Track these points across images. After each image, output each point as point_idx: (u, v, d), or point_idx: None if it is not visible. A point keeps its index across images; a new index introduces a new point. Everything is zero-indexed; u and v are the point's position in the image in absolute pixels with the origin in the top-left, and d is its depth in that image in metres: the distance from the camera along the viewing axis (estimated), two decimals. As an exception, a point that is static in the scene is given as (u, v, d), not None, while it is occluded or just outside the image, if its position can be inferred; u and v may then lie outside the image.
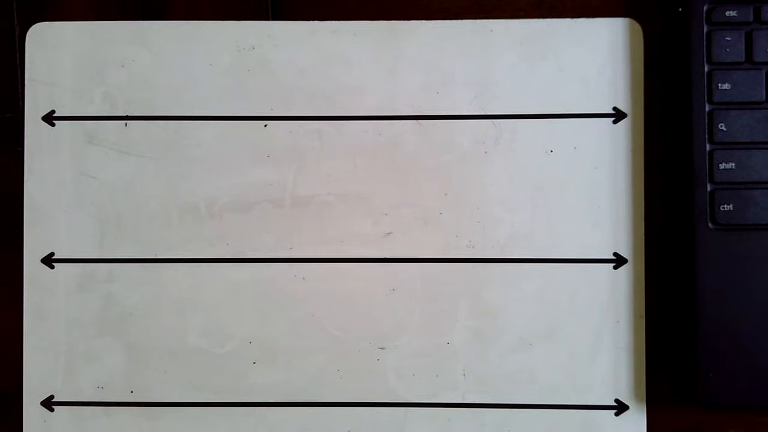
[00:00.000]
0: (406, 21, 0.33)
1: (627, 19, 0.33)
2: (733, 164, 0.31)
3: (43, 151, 0.33)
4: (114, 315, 0.33)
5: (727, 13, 0.31)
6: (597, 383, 0.32)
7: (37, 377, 0.33)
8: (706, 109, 0.31)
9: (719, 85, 0.31)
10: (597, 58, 0.33)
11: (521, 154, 0.33)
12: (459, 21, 0.33)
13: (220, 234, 0.33)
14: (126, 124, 0.33)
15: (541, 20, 0.33)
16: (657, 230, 0.33)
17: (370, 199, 0.33)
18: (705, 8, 0.31)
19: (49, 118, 0.33)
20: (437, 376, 0.33)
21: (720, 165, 0.31)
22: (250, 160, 0.33)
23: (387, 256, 0.33)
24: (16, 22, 0.34)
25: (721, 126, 0.31)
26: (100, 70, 0.33)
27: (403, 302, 0.33)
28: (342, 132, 0.33)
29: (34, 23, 0.34)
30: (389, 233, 0.33)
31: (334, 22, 0.33)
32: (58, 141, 0.33)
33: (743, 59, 0.31)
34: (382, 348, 0.33)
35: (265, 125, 0.33)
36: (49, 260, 0.33)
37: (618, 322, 0.32)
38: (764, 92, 0.31)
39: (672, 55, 0.33)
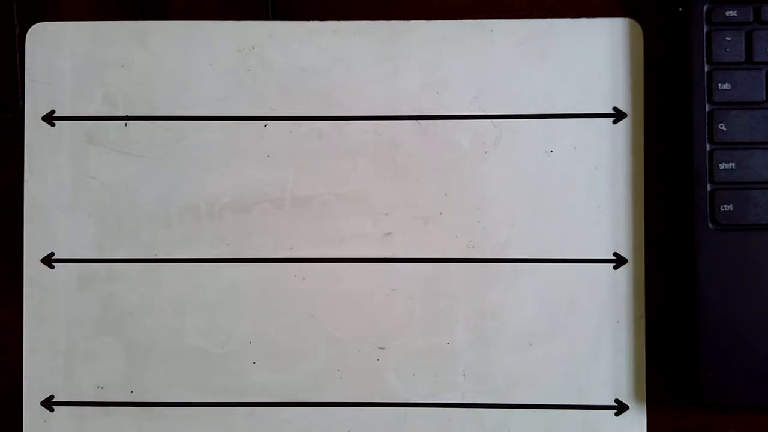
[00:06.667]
0: (406, 21, 0.33)
1: (627, 19, 0.33)
2: (733, 164, 0.31)
3: (43, 151, 0.33)
4: (114, 315, 0.33)
5: (727, 13, 0.31)
6: (597, 383, 0.32)
7: (37, 377, 0.33)
8: (706, 109, 0.31)
9: (719, 85, 0.31)
10: (597, 58, 0.33)
11: (521, 154, 0.33)
12: (459, 21, 0.33)
13: (220, 234, 0.33)
14: (126, 124, 0.33)
15: (541, 20, 0.33)
16: (657, 230, 0.33)
17: (370, 199, 0.33)
18: (705, 8, 0.31)
19: (49, 118, 0.33)
20: (437, 376, 0.33)
21: (720, 165, 0.31)
22: (250, 160, 0.33)
23: (387, 256, 0.33)
24: (16, 22, 0.34)
25: (721, 126, 0.31)
26: (100, 70, 0.33)
27: (403, 302, 0.33)
28: (342, 132, 0.33)
29: (34, 23, 0.34)
30: (389, 233, 0.33)
31: (334, 22, 0.33)
32: (58, 141, 0.33)
33: (743, 59, 0.31)
34: (382, 348, 0.33)
35: (265, 125, 0.33)
36: (49, 260, 0.33)
37: (618, 322, 0.32)
38: (764, 92, 0.31)
39: (672, 55, 0.32)
